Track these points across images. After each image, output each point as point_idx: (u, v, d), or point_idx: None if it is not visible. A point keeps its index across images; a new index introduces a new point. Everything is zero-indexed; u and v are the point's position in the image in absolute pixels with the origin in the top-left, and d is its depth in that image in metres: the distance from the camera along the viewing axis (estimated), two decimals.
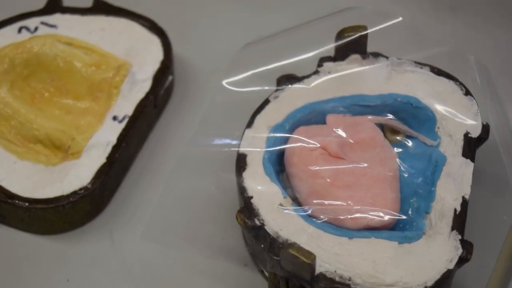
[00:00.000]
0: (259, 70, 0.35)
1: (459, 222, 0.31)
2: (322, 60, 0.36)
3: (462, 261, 0.30)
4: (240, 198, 0.32)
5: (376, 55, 0.36)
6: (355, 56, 0.35)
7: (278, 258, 0.30)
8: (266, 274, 0.33)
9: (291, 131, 0.34)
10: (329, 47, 0.35)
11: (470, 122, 0.34)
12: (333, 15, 0.36)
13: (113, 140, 0.36)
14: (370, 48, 0.36)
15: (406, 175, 0.33)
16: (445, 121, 0.34)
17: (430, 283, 0.30)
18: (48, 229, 0.35)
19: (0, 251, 0.35)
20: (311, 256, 0.29)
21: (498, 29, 0.43)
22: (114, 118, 0.37)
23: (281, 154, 0.34)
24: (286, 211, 0.31)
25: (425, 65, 0.35)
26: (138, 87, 0.38)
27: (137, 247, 0.34)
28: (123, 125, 0.36)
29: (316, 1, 0.44)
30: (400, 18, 0.36)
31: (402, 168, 0.33)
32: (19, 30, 0.39)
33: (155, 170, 0.37)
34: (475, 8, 0.43)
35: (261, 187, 0.32)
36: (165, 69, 0.38)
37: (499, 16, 0.43)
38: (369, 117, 0.34)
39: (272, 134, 0.34)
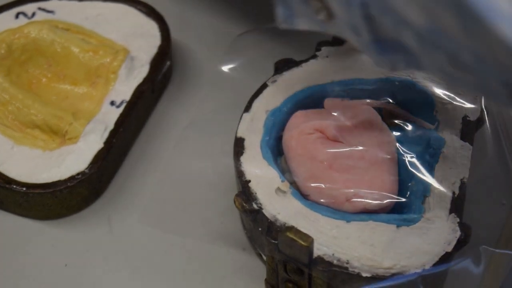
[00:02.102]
0: (257, 55, 0.35)
1: (458, 205, 0.31)
2: (320, 44, 0.36)
3: (460, 243, 0.30)
4: (238, 182, 0.32)
5: None
6: None
7: (276, 242, 0.30)
8: (264, 258, 0.32)
9: (289, 115, 0.34)
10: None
11: (469, 105, 0.34)
12: None
13: (111, 125, 0.36)
14: None
15: (404, 158, 0.33)
16: (443, 104, 0.34)
17: (428, 266, 0.29)
18: (46, 214, 0.35)
19: None
20: (308, 239, 0.29)
21: None
22: (112, 103, 0.37)
23: (279, 138, 0.34)
24: (284, 194, 0.31)
25: None
26: (136, 72, 0.37)
27: (135, 232, 0.34)
28: (120, 110, 0.36)
29: None
30: None
31: (400, 151, 0.33)
32: (17, 16, 0.39)
33: (153, 155, 0.37)
34: None
35: (259, 171, 0.32)
36: (163, 55, 0.38)
37: None
38: (367, 100, 0.34)
39: (270, 118, 0.34)
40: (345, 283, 0.30)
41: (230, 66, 0.36)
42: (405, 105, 0.35)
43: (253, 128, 0.33)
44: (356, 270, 0.29)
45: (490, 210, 0.34)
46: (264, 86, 0.35)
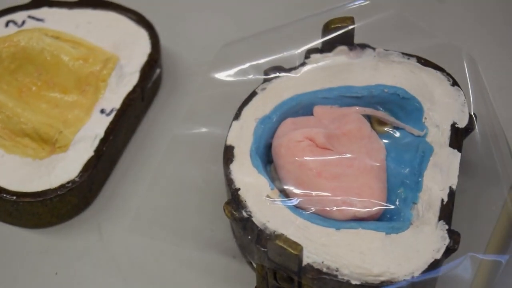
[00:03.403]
0: (247, 64, 0.35)
1: (446, 212, 0.31)
2: (309, 52, 0.36)
3: (449, 251, 0.30)
4: (228, 190, 0.32)
5: (363, 46, 0.36)
6: (342, 48, 0.36)
7: (266, 250, 0.30)
8: (254, 265, 0.32)
9: (279, 122, 0.34)
10: (317, 41, 0.36)
11: (457, 112, 0.34)
12: (319, 14, 0.36)
13: (101, 133, 0.36)
14: (357, 39, 0.36)
15: (393, 166, 0.33)
16: (432, 111, 0.34)
17: (417, 273, 0.30)
18: (36, 222, 0.35)
19: None
20: (298, 247, 0.29)
21: (485, 20, 0.43)
22: (102, 111, 0.37)
23: (268, 146, 0.34)
24: (273, 202, 0.31)
25: (412, 56, 0.36)
26: (126, 80, 0.38)
27: (125, 240, 0.35)
28: (110, 118, 0.36)
29: None
30: (388, 10, 0.36)
31: (389, 158, 0.33)
32: (6, 24, 0.39)
33: (143, 163, 0.37)
34: (462, 0, 0.43)
35: (249, 179, 0.32)
36: (152, 62, 0.38)
37: (486, 8, 0.43)
38: (356, 108, 0.34)
39: (259, 126, 0.34)
40: None
41: (220, 73, 0.36)
42: (394, 112, 0.35)
43: (242, 136, 0.33)
44: (346, 278, 0.30)
45: (479, 217, 0.34)
46: (253, 94, 0.35)
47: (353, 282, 0.30)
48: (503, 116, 0.35)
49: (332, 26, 0.35)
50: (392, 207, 0.32)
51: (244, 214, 0.31)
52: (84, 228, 0.35)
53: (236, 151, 0.33)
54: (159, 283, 0.33)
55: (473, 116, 0.34)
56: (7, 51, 0.38)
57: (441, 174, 0.32)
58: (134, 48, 0.39)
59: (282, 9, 0.43)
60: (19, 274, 0.34)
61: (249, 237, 0.31)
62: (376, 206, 0.31)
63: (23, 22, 0.39)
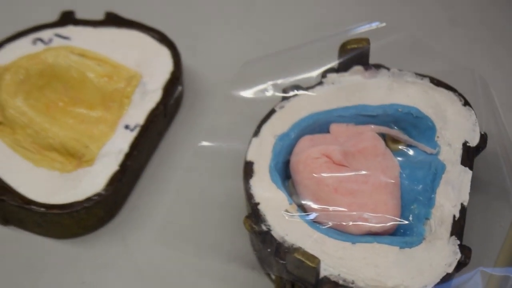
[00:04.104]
0: (266, 82, 0.36)
1: (458, 228, 0.32)
2: (326, 71, 0.37)
3: (460, 265, 0.31)
4: (248, 204, 0.33)
5: (378, 66, 0.36)
6: (358, 67, 0.36)
7: (284, 262, 0.31)
8: (273, 277, 0.33)
9: (296, 139, 0.35)
10: (334, 62, 0.36)
11: (469, 131, 0.34)
12: (335, 35, 0.37)
13: (125, 148, 0.36)
14: (372, 59, 0.36)
15: (406, 183, 0.34)
16: (444, 130, 0.35)
17: (429, 287, 0.30)
18: (63, 233, 0.36)
19: (17, 254, 0.35)
20: (315, 260, 0.30)
21: (495, 41, 0.43)
22: (126, 126, 0.37)
23: (286, 162, 0.35)
24: (291, 217, 0.32)
25: (425, 76, 0.36)
26: (149, 97, 0.38)
27: (148, 251, 0.35)
28: (134, 133, 0.37)
29: (321, 14, 0.44)
30: (401, 31, 0.36)
31: (403, 175, 0.34)
32: (34, 42, 0.40)
33: (165, 177, 0.38)
34: (473, 22, 0.44)
35: (268, 194, 0.33)
36: (174, 80, 0.39)
37: (496, 30, 0.44)
38: (371, 126, 0.35)
39: (278, 143, 0.34)
40: None
41: (239, 91, 0.36)
42: (407, 131, 0.35)
43: (262, 152, 0.34)
44: None
45: (489, 233, 0.35)
46: (272, 112, 0.35)
47: None
48: None
49: (348, 47, 0.36)
50: (406, 222, 0.33)
51: (264, 227, 0.32)
52: (109, 239, 0.36)
53: (255, 167, 0.34)
54: None
55: (484, 135, 0.34)
56: (35, 68, 0.38)
57: (453, 191, 0.33)
58: (157, 66, 0.39)
59: (301, 30, 0.43)
60: (47, 282, 0.35)
61: (268, 250, 0.32)
62: (390, 221, 0.32)
63: (50, 40, 0.40)
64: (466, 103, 0.35)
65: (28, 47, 0.40)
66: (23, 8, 0.44)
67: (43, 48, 0.39)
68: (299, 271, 0.31)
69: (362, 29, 0.37)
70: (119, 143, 0.37)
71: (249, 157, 0.34)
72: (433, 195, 0.33)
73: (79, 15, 0.41)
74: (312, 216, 0.32)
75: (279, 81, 0.36)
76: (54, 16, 0.41)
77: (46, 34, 0.40)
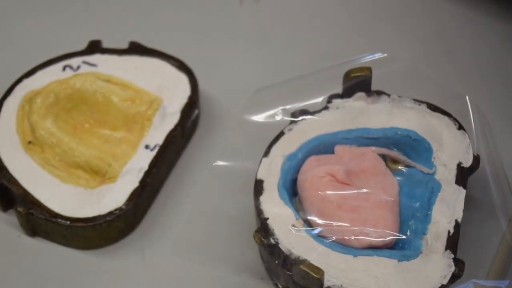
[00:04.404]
0: (276, 107, 0.37)
1: (452, 242, 0.33)
2: (331, 97, 0.37)
3: (454, 277, 0.32)
4: (257, 219, 0.34)
5: (379, 93, 0.37)
6: (361, 94, 0.37)
7: (291, 273, 0.32)
8: (280, 287, 0.34)
9: (303, 159, 0.36)
10: (338, 88, 0.37)
11: (463, 153, 0.35)
12: (340, 64, 0.38)
13: (145, 166, 0.37)
14: (374, 86, 0.37)
15: (405, 200, 0.35)
16: (440, 152, 0.35)
17: None
18: (87, 244, 0.37)
19: (44, 263, 0.37)
20: (320, 271, 0.31)
21: (488, 69, 0.44)
22: (146, 146, 0.38)
23: (294, 180, 0.36)
24: (298, 231, 0.33)
25: (423, 102, 0.37)
26: (168, 119, 0.39)
27: (165, 262, 0.36)
28: (154, 153, 0.38)
29: (327, 45, 0.45)
30: (401, 61, 0.37)
31: (401, 193, 0.35)
32: (64, 69, 0.41)
33: (181, 193, 0.39)
34: (467, 51, 0.45)
35: (276, 209, 0.34)
36: (192, 104, 0.40)
37: (488, 57, 0.45)
38: (373, 148, 0.36)
39: (286, 162, 0.36)
40: None
41: (252, 115, 0.37)
42: (406, 153, 0.36)
43: (271, 171, 0.35)
44: None
45: (481, 247, 0.36)
46: (281, 134, 0.36)
47: None
48: (504, 157, 0.36)
49: (352, 75, 0.37)
50: (404, 237, 0.33)
51: (272, 241, 0.33)
52: (129, 250, 0.37)
53: (265, 185, 0.35)
54: None
55: (477, 156, 0.35)
56: (64, 93, 0.39)
57: (448, 208, 0.34)
58: (176, 91, 0.40)
59: (308, 59, 0.44)
60: None
61: (276, 261, 0.33)
62: (390, 236, 0.33)
63: (78, 67, 0.41)
64: (461, 127, 0.36)
65: (58, 73, 0.41)
66: (55, 37, 0.45)
67: (72, 74, 0.40)
68: (304, 282, 0.32)
69: (365, 59, 0.38)
70: (140, 162, 0.38)
71: (260, 176, 0.35)
72: (429, 212, 0.34)
73: (105, 44, 0.42)
74: (317, 230, 0.33)
75: (288, 106, 0.37)
76: (82, 45, 0.42)
77: (75, 61, 0.41)
